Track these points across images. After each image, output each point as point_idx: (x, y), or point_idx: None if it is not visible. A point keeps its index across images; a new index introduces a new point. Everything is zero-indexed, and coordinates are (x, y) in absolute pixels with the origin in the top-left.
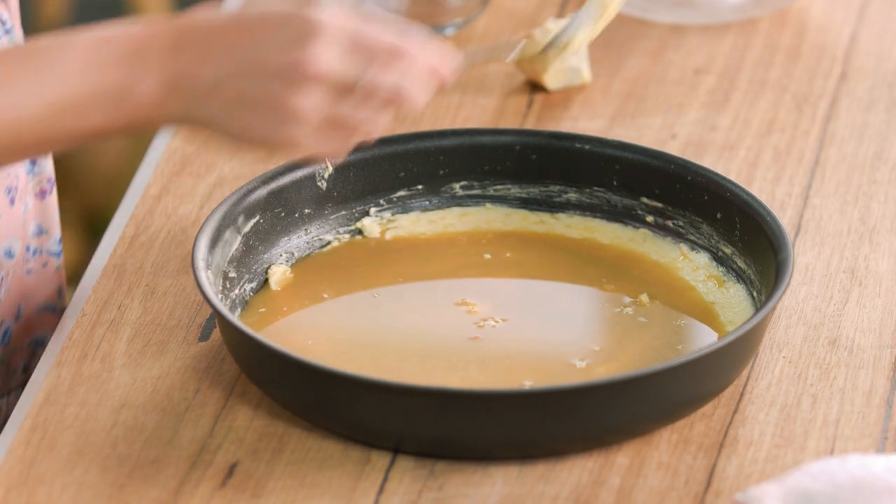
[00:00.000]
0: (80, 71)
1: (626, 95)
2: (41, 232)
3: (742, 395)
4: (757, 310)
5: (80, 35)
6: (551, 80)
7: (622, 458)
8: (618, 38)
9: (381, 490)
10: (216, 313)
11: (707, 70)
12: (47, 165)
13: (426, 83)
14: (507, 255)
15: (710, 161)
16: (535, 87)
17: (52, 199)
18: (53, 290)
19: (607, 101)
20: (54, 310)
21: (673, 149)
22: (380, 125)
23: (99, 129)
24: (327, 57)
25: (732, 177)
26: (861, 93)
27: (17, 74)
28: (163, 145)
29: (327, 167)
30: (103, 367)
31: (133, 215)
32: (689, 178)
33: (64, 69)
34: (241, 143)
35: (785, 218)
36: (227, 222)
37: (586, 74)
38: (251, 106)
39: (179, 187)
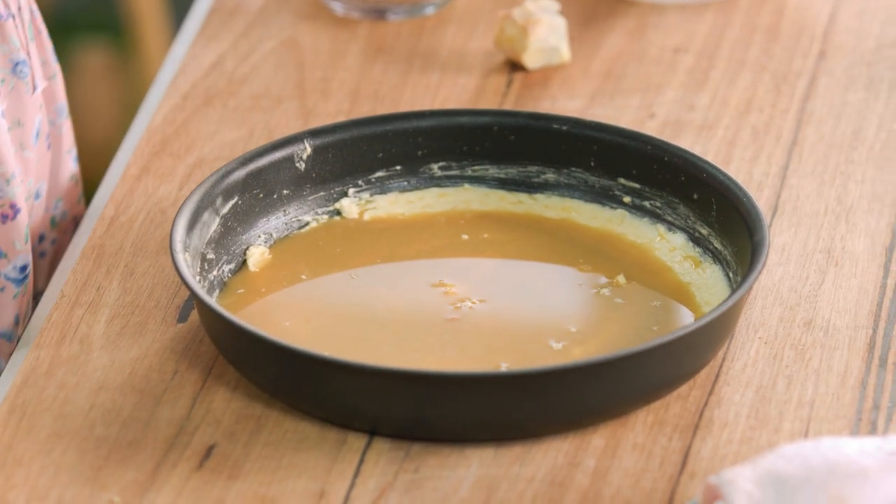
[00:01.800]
0: None
1: (606, 75)
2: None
3: (718, 376)
4: (732, 291)
5: None
6: (531, 59)
7: (598, 439)
8: (597, 17)
9: (357, 472)
10: (193, 296)
11: (686, 49)
12: (10, 191)
13: None
14: (485, 235)
15: (689, 141)
16: (514, 66)
17: (17, 224)
18: (9, 317)
19: (586, 80)
20: (9, 338)
21: (651, 128)
22: None
23: None
24: None
25: (710, 157)
26: (839, 71)
27: None
28: (143, 125)
29: (305, 147)
30: (81, 349)
31: (112, 196)
32: (666, 158)
33: None
34: None
35: (762, 198)
36: (206, 204)
37: (565, 54)
38: None
39: (159, 168)
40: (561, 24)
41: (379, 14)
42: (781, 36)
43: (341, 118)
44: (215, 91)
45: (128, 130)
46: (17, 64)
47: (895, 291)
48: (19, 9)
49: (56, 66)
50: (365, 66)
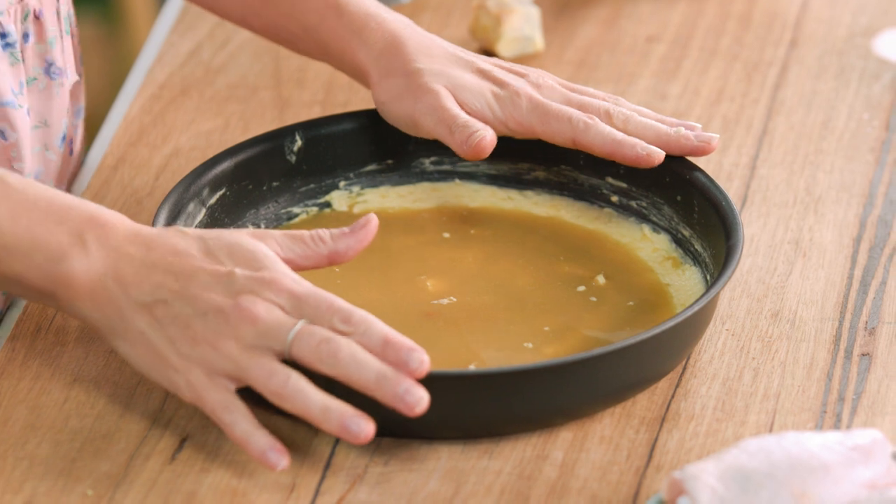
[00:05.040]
0: (31, 218)
1: (579, 63)
2: None
3: (685, 368)
4: (703, 294)
5: (49, 190)
6: (504, 48)
7: (565, 432)
8: (571, 7)
9: (328, 464)
10: None
11: (659, 38)
12: None
13: (367, 357)
14: (472, 231)
15: None
16: (488, 54)
17: None
18: None
19: (560, 69)
20: None
21: None
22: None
23: (20, 277)
24: (264, 313)
25: None
26: (811, 60)
27: None
28: (120, 115)
29: (296, 140)
30: (57, 341)
31: (89, 186)
32: None
33: (18, 208)
34: (156, 367)
35: (732, 188)
36: (191, 195)
37: (539, 43)
38: (180, 329)
39: (135, 158)
40: (535, 13)
41: None
42: (753, 25)
43: (316, 108)
44: (192, 81)
45: (104, 120)
46: (51, 65)
47: (861, 283)
48: (58, 10)
49: (81, 69)
50: None
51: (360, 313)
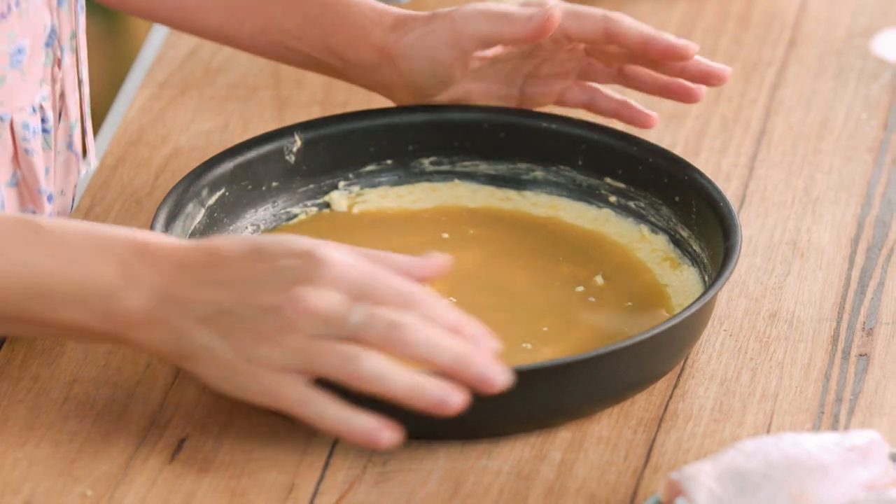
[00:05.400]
0: (74, 261)
1: None
2: None
3: (683, 368)
4: (701, 294)
5: (82, 224)
6: None
7: (564, 432)
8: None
9: (326, 465)
10: None
11: None
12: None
13: (441, 337)
14: (470, 231)
15: (659, 130)
16: None
17: None
18: None
19: None
20: None
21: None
22: (370, 367)
23: (78, 325)
24: (320, 300)
25: (680, 147)
26: (810, 60)
27: (10, 244)
28: (119, 114)
29: (296, 141)
30: (56, 341)
31: (88, 186)
32: (651, 159)
33: (59, 253)
34: (228, 377)
35: (730, 189)
36: (190, 195)
37: None
38: (242, 334)
39: (135, 158)
40: None
41: None
42: (752, 25)
43: (315, 108)
44: (192, 80)
45: (104, 119)
46: (71, 143)
47: (859, 283)
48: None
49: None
50: None
51: (421, 291)
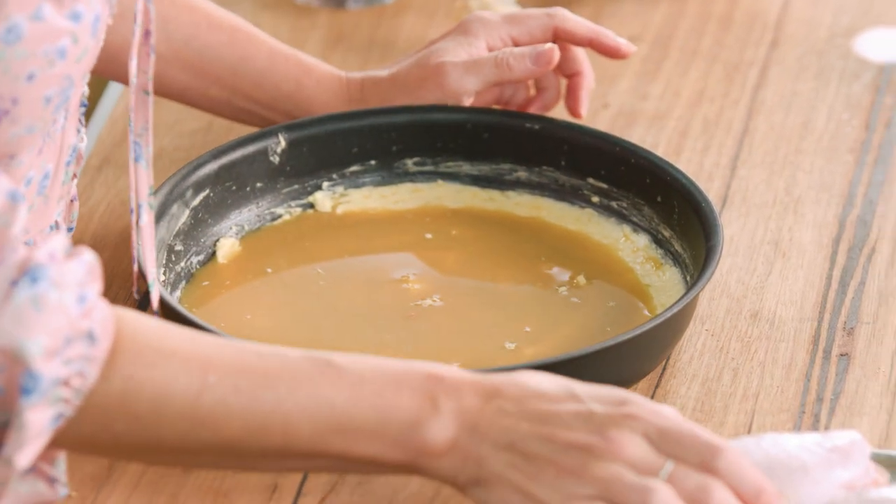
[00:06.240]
0: (376, 393)
1: None
2: None
3: (665, 368)
4: (682, 295)
5: (371, 359)
6: None
7: None
8: (554, 6)
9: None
10: (148, 289)
11: (640, 38)
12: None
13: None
14: (453, 232)
15: (641, 131)
16: None
17: None
18: None
19: None
20: None
21: (605, 118)
22: None
23: (373, 456)
24: (632, 445)
25: (662, 147)
26: (791, 61)
27: (309, 382)
28: (104, 116)
29: (280, 142)
30: None
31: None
32: (633, 160)
33: (358, 387)
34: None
35: (712, 189)
36: (175, 196)
37: None
38: (544, 465)
39: (120, 158)
40: None
41: (338, 3)
42: (734, 25)
43: None
44: None
45: (89, 119)
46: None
47: (840, 283)
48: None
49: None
50: (325, 55)
51: (730, 452)
